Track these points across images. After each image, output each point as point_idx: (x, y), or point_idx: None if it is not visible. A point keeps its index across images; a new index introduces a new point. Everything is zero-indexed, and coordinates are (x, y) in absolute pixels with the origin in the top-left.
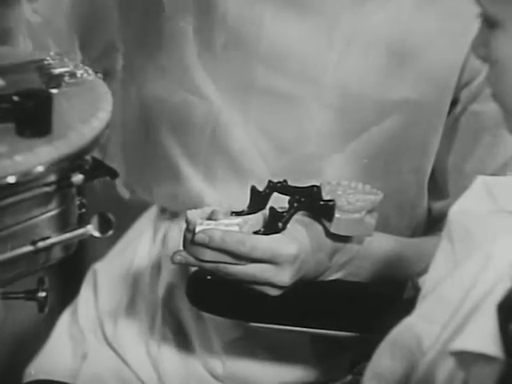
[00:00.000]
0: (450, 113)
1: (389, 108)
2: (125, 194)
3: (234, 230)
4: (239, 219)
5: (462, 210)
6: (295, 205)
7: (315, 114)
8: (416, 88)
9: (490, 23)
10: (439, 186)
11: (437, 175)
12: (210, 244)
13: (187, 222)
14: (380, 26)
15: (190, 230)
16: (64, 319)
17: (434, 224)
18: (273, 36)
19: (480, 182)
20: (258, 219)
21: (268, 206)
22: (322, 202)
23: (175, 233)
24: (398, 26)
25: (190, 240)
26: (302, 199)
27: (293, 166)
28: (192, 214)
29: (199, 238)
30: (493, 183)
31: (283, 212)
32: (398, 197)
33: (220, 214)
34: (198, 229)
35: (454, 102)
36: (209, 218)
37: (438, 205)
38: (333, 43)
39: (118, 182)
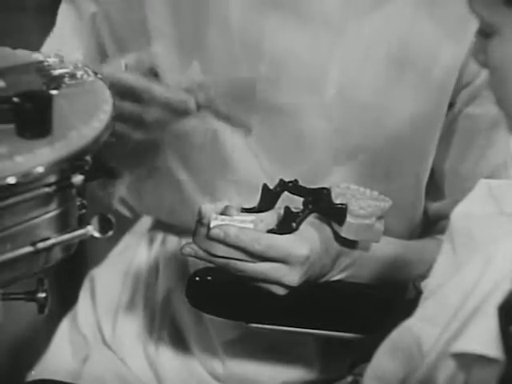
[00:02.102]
0: (446, 115)
1: (390, 117)
2: (123, 211)
3: (249, 227)
4: (253, 216)
5: (463, 213)
6: (310, 206)
7: (316, 127)
8: (416, 95)
9: (486, 30)
10: (436, 188)
11: (434, 177)
12: (224, 240)
13: (200, 215)
14: (381, 36)
15: (203, 223)
16: (64, 326)
17: (430, 225)
18: (274, 49)
19: (482, 185)
20: (271, 218)
21: (279, 205)
22: (335, 205)
23: (173, 236)
24: (398, 34)
25: (204, 234)
26: (319, 201)
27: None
28: (206, 208)
29: (214, 233)
30: (495, 187)
31: (298, 212)
32: (398, 201)
33: (233, 209)
34: (212, 224)
35: (451, 105)
36: (221, 213)
37: (434, 206)
38: (334, 55)
39: (116, 200)
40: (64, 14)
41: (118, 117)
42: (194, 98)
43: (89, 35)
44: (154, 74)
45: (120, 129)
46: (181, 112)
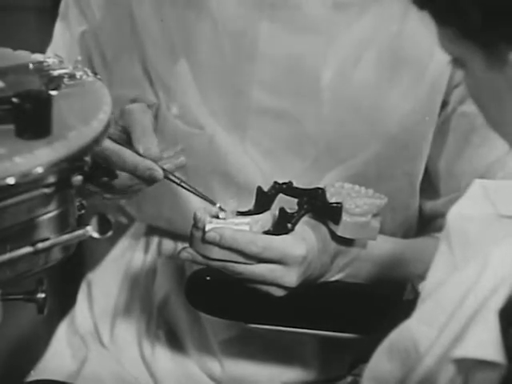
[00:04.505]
0: (440, 115)
1: (384, 118)
2: (120, 218)
3: (245, 229)
4: (248, 219)
5: (460, 214)
6: (305, 206)
7: (311, 129)
8: (409, 95)
9: (457, 62)
10: (431, 187)
11: (429, 176)
12: (220, 243)
13: (195, 219)
14: (371, 38)
15: (198, 227)
16: (62, 328)
17: (426, 223)
18: (268, 53)
19: (477, 185)
20: (267, 219)
21: (274, 207)
22: (330, 205)
23: (169, 239)
24: (388, 36)
25: (200, 238)
26: (313, 201)
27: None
28: (201, 212)
29: (210, 236)
30: (489, 187)
31: (293, 213)
32: (392, 200)
33: (228, 213)
34: (208, 227)
35: (444, 104)
36: (216, 217)
37: (429, 204)
38: (327, 59)
39: (112, 207)
40: (58, 31)
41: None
42: (160, 166)
43: (79, 52)
44: (127, 133)
45: (91, 189)
46: (147, 179)
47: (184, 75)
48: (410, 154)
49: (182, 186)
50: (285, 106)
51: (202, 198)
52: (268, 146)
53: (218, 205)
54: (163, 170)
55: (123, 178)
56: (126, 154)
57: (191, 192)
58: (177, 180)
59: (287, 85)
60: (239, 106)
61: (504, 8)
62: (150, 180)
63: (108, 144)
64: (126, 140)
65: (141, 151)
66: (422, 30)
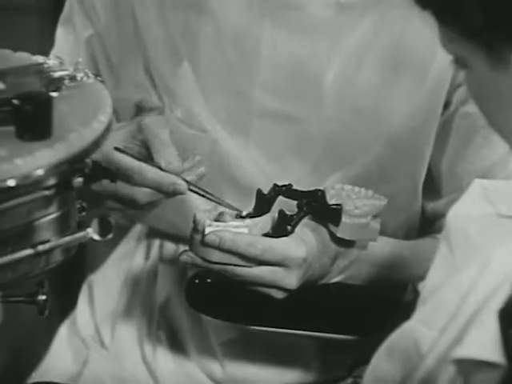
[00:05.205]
0: (442, 114)
1: (387, 120)
2: (121, 220)
3: (244, 232)
4: (248, 221)
5: (459, 214)
6: (304, 208)
7: (314, 132)
8: (412, 96)
9: (459, 63)
10: (433, 187)
11: (431, 176)
12: (220, 245)
13: (195, 222)
14: (374, 40)
15: (198, 230)
16: (63, 330)
17: (428, 224)
18: (271, 56)
19: (477, 185)
20: (266, 222)
21: (274, 209)
22: (330, 206)
23: (171, 242)
24: (391, 37)
25: (199, 241)
26: (313, 203)
27: (296, 185)
28: (200, 215)
29: (209, 239)
30: (489, 187)
31: (292, 215)
32: (394, 201)
33: (228, 215)
34: (207, 230)
35: (447, 104)
36: (216, 220)
37: (431, 205)
38: (330, 61)
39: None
40: (61, 36)
41: (110, 196)
42: (183, 179)
43: (85, 56)
44: (146, 148)
45: (113, 206)
46: (171, 193)
47: (187, 78)
48: (413, 155)
49: (207, 198)
50: (287, 108)
51: (228, 207)
52: (271, 148)
53: (244, 213)
54: (186, 181)
55: (147, 194)
56: (148, 171)
57: (217, 203)
58: (201, 191)
59: (290, 87)
60: (242, 108)
61: (506, 7)
62: (175, 194)
63: (128, 161)
64: (146, 155)
65: (163, 166)
66: (424, 31)
